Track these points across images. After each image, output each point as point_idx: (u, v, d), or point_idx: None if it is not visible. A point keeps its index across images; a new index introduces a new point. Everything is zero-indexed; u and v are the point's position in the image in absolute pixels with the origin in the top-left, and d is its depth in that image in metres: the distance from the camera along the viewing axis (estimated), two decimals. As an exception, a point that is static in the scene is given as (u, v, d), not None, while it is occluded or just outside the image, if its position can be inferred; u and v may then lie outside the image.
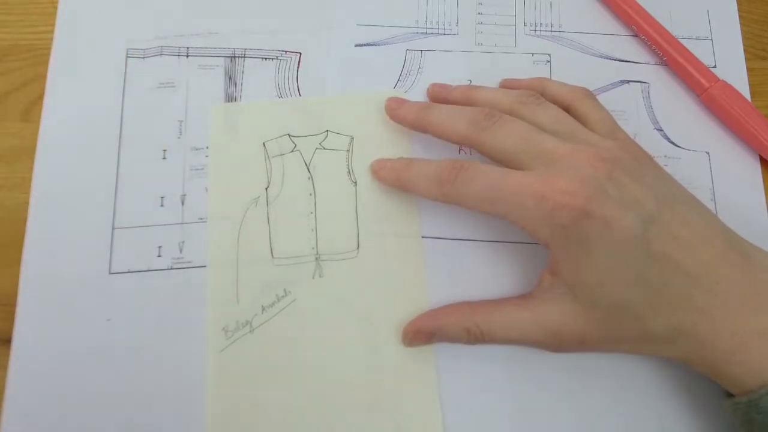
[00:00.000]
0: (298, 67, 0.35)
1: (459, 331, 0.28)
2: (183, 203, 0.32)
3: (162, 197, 0.32)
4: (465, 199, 0.27)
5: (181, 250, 0.31)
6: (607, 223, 0.24)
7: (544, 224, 0.25)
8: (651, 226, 0.25)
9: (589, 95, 0.31)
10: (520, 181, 0.26)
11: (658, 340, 0.26)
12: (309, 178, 0.32)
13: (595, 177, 0.25)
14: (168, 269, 0.30)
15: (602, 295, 0.25)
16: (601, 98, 0.33)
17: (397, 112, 0.33)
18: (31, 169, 0.32)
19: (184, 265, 0.31)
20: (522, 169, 0.27)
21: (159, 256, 0.31)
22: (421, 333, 0.29)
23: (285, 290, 0.30)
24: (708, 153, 0.35)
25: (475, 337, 0.28)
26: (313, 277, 0.31)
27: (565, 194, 0.25)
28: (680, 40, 0.36)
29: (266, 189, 0.32)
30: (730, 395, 0.26)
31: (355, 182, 0.33)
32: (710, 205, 0.33)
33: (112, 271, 0.30)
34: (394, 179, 0.31)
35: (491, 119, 0.28)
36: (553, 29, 0.37)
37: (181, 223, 0.31)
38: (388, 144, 0.33)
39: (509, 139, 0.28)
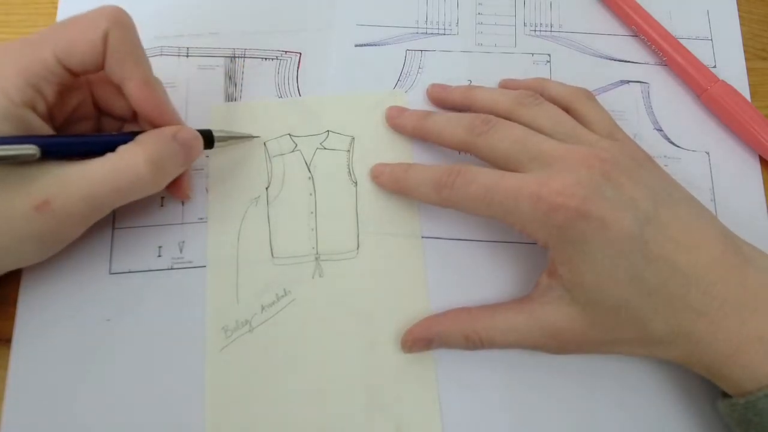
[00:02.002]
0: (298, 67, 0.35)
1: (458, 338, 0.28)
2: (183, 203, 0.32)
3: (162, 197, 0.32)
4: (463, 202, 0.28)
5: (181, 250, 0.31)
6: (604, 224, 0.24)
7: (541, 225, 0.25)
8: (648, 227, 0.25)
9: (589, 96, 0.31)
10: (517, 183, 0.26)
11: (656, 341, 0.26)
12: (309, 178, 0.32)
13: (591, 177, 0.25)
14: (168, 269, 0.30)
15: (600, 296, 0.25)
16: (601, 98, 0.33)
17: (396, 120, 0.33)
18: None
19: (184, 265, 0.31)
20: (519, 171, 0.27)
21: (159, 256, 0.31)
22: (420, 340, 0.29)
23: (285, 290, 0.30)
24: (708, 153, 0.35)
25: (474, 343, 0.28)
26: (313, 277, 0.31)
27: (560, 195, 0.25)
28: (680, 40, 0.36)
29: (266, 189, 0.32)
30: (727, 396, 0.26)
31: (356, 182, 0.33)
32: (710, 206, 0.33)
33: (112, 271, 0.30)
34: (393, 184, 0.31)
35: (488, 124, 0.28)
36: (553, 29, 0.37)
37: (181, 223, 0.31)
38: (388, 144, 0.33)
39: (505, 142, 0.28)
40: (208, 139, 0.30)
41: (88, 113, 0.30)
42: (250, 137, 0.32)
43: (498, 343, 0.27)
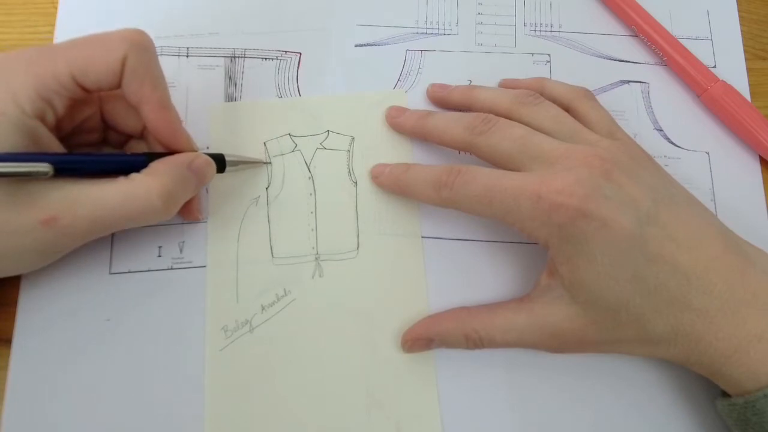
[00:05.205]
0: (298, 67, 0.35)
1: (458, 337, 0.28)
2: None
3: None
4: (463, 202, 0.27)
5: (181, 250, 0.31)
6: (604, 223, 0.24)
7: (541, 225, 0.25)
8: (648, 226, 0.25)
9: (589, 95, 0.31)
10: (517, 183, 0.26)
11: (656, 341, 0.26)
12: (309, 178, 0.32)
13: (591, 177, 0.25)
14: (168, 269, 0.30)
15: (600, 295, 0.25)
16: (601, 98, 0.33)
17: (396, 120, 0.33)
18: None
19: (184, 265, 0.31)
20: (520, 170, 0.27)
21: (159, 256, 0.31)
22: (420, 340, 0.29)
23: (285, 290, 0.30)
24: (708, 153, 0.35)
25: (474, 342, 0.28)
26: (313, 277, 0.31)
27: (561, 194, 0.25)
28: (680, 40, 0.36)
29: (266, 189, 0.32)
30: (726, 395, 0.26)
31: (356, 182, 0.33)
32: (710, 206, 0.33)
33: (112, 271, 0.30)
34: (392, 184, 0.31)
35: (488, 124, 0.28)
36: (553, 29, 0.37)
37: (181, 223, 0.31)
38: (388, 144, 0.33)
39: (506, 141, 0.28)
40: (220, 163, 0.30)
41: (95, 126, 0.30)
42: (260, 162, 0.32)
43: (498, 342, 0.27)
